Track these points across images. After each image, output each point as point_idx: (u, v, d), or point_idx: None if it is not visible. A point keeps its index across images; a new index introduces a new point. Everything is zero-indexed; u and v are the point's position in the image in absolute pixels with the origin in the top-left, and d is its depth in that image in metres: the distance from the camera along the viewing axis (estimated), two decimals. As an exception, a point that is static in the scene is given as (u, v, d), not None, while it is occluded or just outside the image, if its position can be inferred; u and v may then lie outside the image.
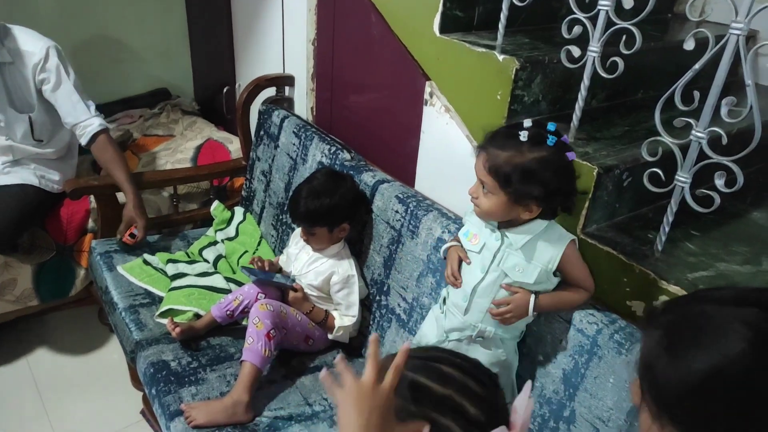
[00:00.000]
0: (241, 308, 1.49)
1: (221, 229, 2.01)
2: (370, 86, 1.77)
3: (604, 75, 1.13)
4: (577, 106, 1.20)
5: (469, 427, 0.63)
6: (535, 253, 1.03)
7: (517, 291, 1.05)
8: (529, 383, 0.71)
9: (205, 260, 1.83)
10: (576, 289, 1.06)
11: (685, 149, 1.04)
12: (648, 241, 1.18)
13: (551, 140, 0.95)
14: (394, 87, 1.66)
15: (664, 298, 1.05)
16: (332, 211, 1.44)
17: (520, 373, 1.16)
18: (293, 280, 1.54)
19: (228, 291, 1.64)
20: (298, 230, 1.61)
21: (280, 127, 1.90)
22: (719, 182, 0.99)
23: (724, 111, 0.96)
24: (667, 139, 1.05)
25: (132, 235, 1.78)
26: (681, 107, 1.01)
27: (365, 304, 1.55)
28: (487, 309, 1.07)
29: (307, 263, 1.53)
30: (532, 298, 1.03)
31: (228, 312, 1.50)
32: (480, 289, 1.07)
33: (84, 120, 1.81)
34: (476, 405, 0.64)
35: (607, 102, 1.51)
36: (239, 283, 1.68)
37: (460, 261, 1.13)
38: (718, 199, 1.00)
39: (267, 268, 1.57)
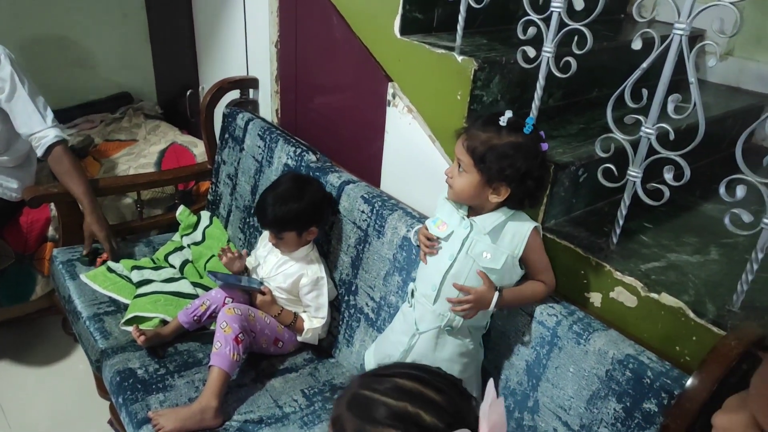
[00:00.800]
0: (208, 313, 1.49)
1: (187, 234, 1.99)
2: (334, 87, 1.78)
3: (558, 74, 1.16)
4: (533, 105, 1.23)
5: None
6: (501, 239, 1.06)
7: (486, 281, 1.07)
8: (491, 383, 0.72)
9: (171, 266, 1.81)
10: (537, 282, 1.10)
11: (635, 145, 1.08)
12: (604, 234, 1.22)
13: (528, 128, 1.01)
14: (358, 88, 1.67)
15: (619, 289, 1.09)
16: (300, 215, 1.44)
17: (486, 366, 1.19)
18: (261, 284, 1.54)
19: (195, 296, 1.63)
20: (265, 234, 1.61)
21: (245, 129, 1.89)
22: (668, 176, 1.04)
23: (670, 108, 1.00)
24: (618, 135, 1.09)
25: (104, 262, 1.75)
26: (631, 105, 1.05)
27: (334, 304, 1.56)
28: (457, 296, 1.09)
29: (276, 266, 1.53)
30: (496, 294, 1.06)
31: (195, 317, 1.49)
32: (449, 277, 1.09)
33: (39, 131, 1.76)
34: (432, 412, 0.65)
35: (564, 101, 1.55)
36: (206, 288, 1.67)
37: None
38: (667, 193, 1.04)
39: (236, 256, 1.56)
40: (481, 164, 1.02)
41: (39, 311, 2.01)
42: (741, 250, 1.21)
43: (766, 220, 0.93)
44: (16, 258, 1.88)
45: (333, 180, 1.56)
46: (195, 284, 1.70)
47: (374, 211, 1.43)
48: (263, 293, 1.51)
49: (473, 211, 1.10)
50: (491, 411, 0.67)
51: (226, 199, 2.01)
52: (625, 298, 1.09)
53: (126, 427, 1.31)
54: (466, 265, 1.08)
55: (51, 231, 1.93)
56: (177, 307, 1.57)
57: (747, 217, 0.95)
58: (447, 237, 1.11)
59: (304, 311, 1.55)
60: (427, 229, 1.16)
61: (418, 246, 1.20)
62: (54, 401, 1.85)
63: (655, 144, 1.04)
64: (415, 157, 1.49)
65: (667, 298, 1.03)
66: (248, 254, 1.66)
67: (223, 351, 1.34)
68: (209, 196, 2.09)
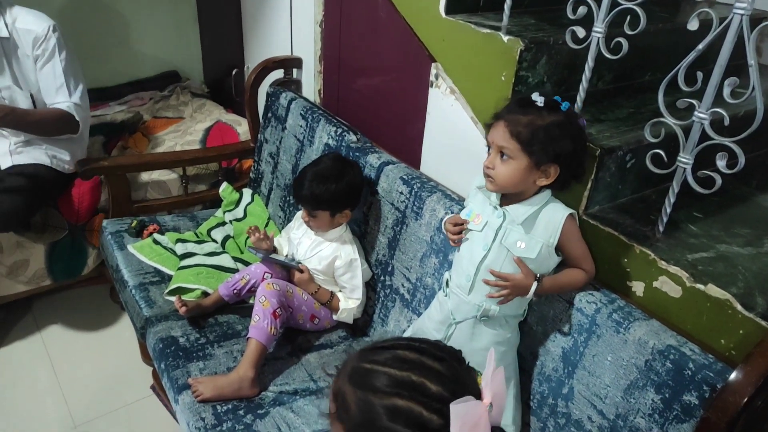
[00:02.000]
0: (248, 287, 1.52)
1: (229, 210, 2.03)
2: (377, 68, 1.77)
3: (608, 56, 1.12)
4: (581, 87, 1.20)
5: (432, 404, 0.63)
6: (535, 228, 1.05)
7: (524, 269, 1.05)
8: (491, 353, 0.71)
9: (214, 240, 1.86)
10: (577, 270, 1.07)
11: (687, 130, 1.04)
12: (650, 222, 1.19)
13: (565, 105, 1.00)
14: (400, 69, 1.66)
15: (664, 278, 1.06)
16: (336, 196, 1.45)
17: (521, 351, 1.18)
18: (299, 262, 1.56)
19: (235, 270, 1.67)
20: (299, 213, 1.62)
21: (288, 109, 1.91)
22: (721, 163, 0.99)
23: (726, 92, 0.96)
24: (669, 120, 1.05)
25: (150, 234, 1.81)
26: (685, 88, 1.01)
27: (370, 284, 1.57)
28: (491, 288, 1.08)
29: (310, 248, 1.55)
30: (535, 283, 1.04)
31: (235, 290, 1.53)
32: (483, 268, 1.09)
33: (57, 103, 1.82)
34: (437, 381, 0.64)
35: (614, 84, 1.50)
36: (246, 263, 1.71)
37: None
38: (719, 180, 1.00)
39: (262, 237, 1.58)
40: (529, 147, 1.00)
41: (90, 279, 2.10)
42: (797, 244, 1.16)
43: (826, 212, 0.88)
44: (68, 229, 1.96)
45: (372, 160, 1.56)
46: (236, 259, 1.74)
47: (413, 193, 1.43)
48: (301, 271, 1.53)
49: (506, 199, 1.08)
50: (493, 380, 0.66)
51: (267, 177, 2.04)
52: (670, 288, 1.06)
53: (167, 392, 1.36)
54: (501, 255, 1.07)
55: (102, 202, 2.01)
56: (218, 280, 1.61)
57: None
58: (481, 228, 1.10)
59: (340, 291, 1.57)
60: (459, 218, 1.15)
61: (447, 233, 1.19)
62: (101, 365, 1.94)
63: (708, 130, 1.00)
64: (457, 139, 1.47)
65: (713, 290, 0.99)
66: (274, 236, 1.67)
67: (261, 324, 1.37)
68: (251, 174, 2.13)
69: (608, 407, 1.03)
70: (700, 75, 0.99)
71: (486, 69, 1.33)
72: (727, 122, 0.98)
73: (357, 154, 1.61)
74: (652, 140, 1.09)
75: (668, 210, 1.10)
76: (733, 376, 0.81)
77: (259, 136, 2.08)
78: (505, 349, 1.13)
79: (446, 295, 1.17)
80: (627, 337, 1.00)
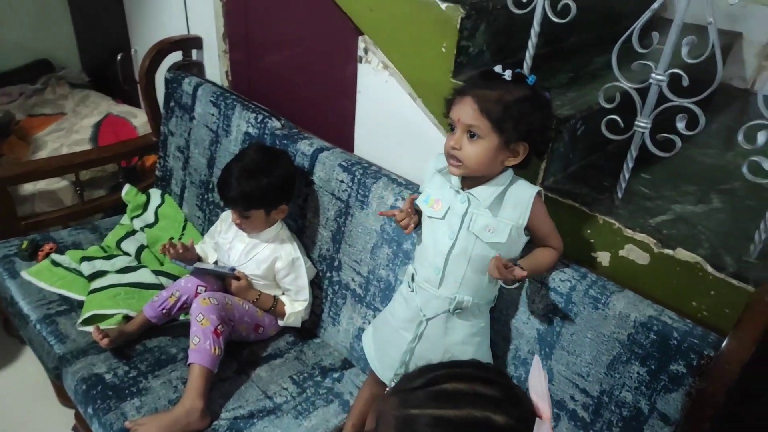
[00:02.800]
0: (179, 305, 1.34)
1: (137, 216, 1.81)
2: (293, 44, 1.61)
3: (555, 20, 1.06)
4: (527, 55, 1.14)
5: None
6: (503, 210, 0.98)
7: (509, 265, 0.98)
8: (537, 360, 0.66)
9: (126, 253, 1.64)
10: (547, 249, 1.03)
11: (644, 93, 1.01)
12: (604, 189, 1.17)
13: (531, 79, 0.93)
14: (322, 43, 1.52)
15: (630, 246, 1.05)
16: (269, 192, 1.31)
17: (492, 337, 1.13)
18: (233, 269, 1.40)
19: (159, 286, 1.48)
20: (226, 214, 1.46)
21: (194, 96, 1.70)
22: (680, 125, 0.98)
23: (684, 51, 0.93)
24: (625, 84, 1.01)
25: (46, 255, 1.55)
26: (639, 50, 0.98)
27: (315, 282, 1.45)
28: (463, 277, 1.01)
29: (245, 252, 1.40)
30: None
31: (164, 310, 1.34)
32: (453, 258, 1.01)
33: None
34: (500, 410, 0.57)
35: (545, 48, 1.46)
36: (170, 276, 1.52)
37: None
38: (679, 143, 0.99)
39: (182, 250, 1.39)
40: (500, 125, 0.92)
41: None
42: (741, 196, 1.19)
43: (789, 167, 0.89)
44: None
45: (304, 148, 1.42)
46: (157, 272, 1.54)
47: (355, 180, 1.31)
48: (238, 278, 1.38)
49: (467, 181, 1.00)
50: (542, 384, 0.61)
51: (177, 174, 1.82)
52: (637, 255, 1.04)
53: (100, 440, 1.18)
54: (469, 243, 1.00)
55: (-22, 224, 1.70)
56: (140, 300, 1.41)
57: (768, 165, 0.90)
58: (444, 215, 1.02)
59: (284, 294, 1.44)
60: (412, 204, 1.06)
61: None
62: (6, 410, 1.66)
63: (666, 92, 0.98)
64: (395, 118, 1.37)
65: (682, 254, 0.99)
66: (194, 244, 1.49)
67: (202, 346, 1.21)
68: (157, 172, 1.90)
69: (591, 384, 1.01)
70: (656, 35, 0.96)
71: (423, 40, 1.23)
72: (686, 83, 0.96)
73: (285, 142, 1.46)
74: (607, 106, 1.05)
75: (626, 176, 1.08)
76: (726, 343, 0.80)
77: (161, 128, 1.85)
78: (480, 339, 1.07)
79: (412, 291, 1.08)
80: (607, 313, 0.97)
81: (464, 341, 1.06)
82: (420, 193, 1.08)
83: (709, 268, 0.96)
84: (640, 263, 1.04)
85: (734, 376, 0.78)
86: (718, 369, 0.80)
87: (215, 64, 1.87)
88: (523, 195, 0.98)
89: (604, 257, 1.09)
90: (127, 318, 1.39)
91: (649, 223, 1.07)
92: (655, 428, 0.94)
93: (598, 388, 1.00)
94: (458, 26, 1.15)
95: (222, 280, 1.40)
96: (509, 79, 0.92)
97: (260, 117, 1.53)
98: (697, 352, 0.88)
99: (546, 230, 1.02)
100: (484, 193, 0.98)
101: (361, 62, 1.39)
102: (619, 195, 1.11)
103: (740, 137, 0.91)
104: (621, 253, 1.06)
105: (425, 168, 1.09)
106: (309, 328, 1.49)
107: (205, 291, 1.34)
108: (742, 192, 1.20)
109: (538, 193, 0.99)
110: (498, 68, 0.94)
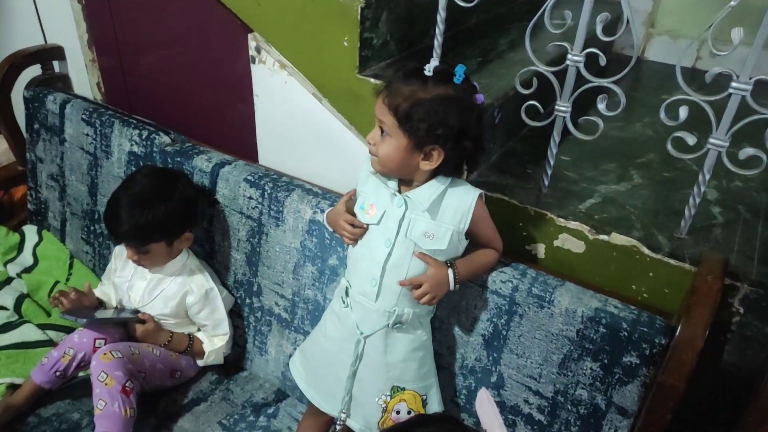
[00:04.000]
0: (75, 364, 1.15)
1: (11, 260, 1.56)
2: (173, 44, 1.43)
3: (462, 4, 0.99)
4: (436, 42, 1.06)
5: None
6: (442, 214, 0.90)
7: (431, 262, 0.91)
8: (483, 392, 0.63)
9: (2, 307, 1.40)
10: (488, 250, 0.96)
11: (561, 76, 0.96)
12: (528, 177, 1.13)
13: (459, 77, 0.84)
14: (207, 43, 1.35)
15: (564, 236, 1.01)
16: (169, 220, 1.14)
17: (435, 348, 1.05)
18: (136, 311, 1.23)
19: (48, 343, 1.27)
20: (119, 249, 1.28)
21: (62, 114, 1.48)
22: (601, 106, 0.94)
23: (599, 29, 0.89)
24: (542, 68, 0.96)
25: None
26: (553, 30, 0.93)
27: (234, 311, 1.31)
28: (401, 288, 0.92)
29: (148, 290, 1.23)
30: (450, 272, 0.91)
31: (57, 373, 1.14)
32: (390, 267, 0.92)
33: None
34: None
35: (448, 32, 1.39)
36: (61, 328, 1.32)
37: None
38: (602, 124, 0.96)
39: (75, 297, 1.19)
40: (406, 124, 0.84)
41: None
42: (657, 169, 1.20)
43: (713, 141, 0.88)
44: None
45: (201, 164, 1.26)
46: (44, 326, 1.32)
47: (265, 195, 1.18)
48: (143, 321, 1.20)
49: (404, 184, 0.92)
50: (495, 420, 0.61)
51: (54, 205, 1.59)
52: (572, 244, 1.01)
53: None
54: (408, 251, 0.91)
55: None
56: (26, 363, 1.21)
57: (692, 140, 0.89)
58: (379, 220, 0.92)
59: (200, 330, 1.28)
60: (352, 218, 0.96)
61: (336, 232, 1.00)
62: None
63: (584, 72, 0.93)
64: (300, 122, 1.25)
65: (618, 238, 0.96)
66: (91, 288, 1.29)
67: (110, 410, 1.04)
68: (29, 206, 1.65)
69: (545, 386, 0.97)
70: (568, 14, 0.91)
71: (322, 35, 1.11)
72: (603, 62, 0.92)
73: (178, 159, 1.29)
74: (525, 91, 1.00)
75: (551, 162, 1.04)
76: (679, 332, 0.78)
77: (27, 155, 1.60)
78: (423, 354, 1.00)
79: (347, 306, 0.98)
80: (553, 311, 0.92)
81: (406, 357, 0.98)
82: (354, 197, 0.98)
83: (646, 250, 0.94)
84: (576, 252, 1.01)
85: (692, 364, 0.76)
86: (675, 359, 0.77)
87: (83, 76, 1.63)
88: (463, 199, 0.90)
89: (539, 249, 1.05)
90: (12, 387, 1.18)
91: (579, 209, 1.03)
92: (614, 422, 0.91)
93: (552, 388, 0.96)
94: (359, 17, 1.05)
95: (124, 326, 1.22)
96: (429, 74, 0.83)
97: (145, 133, 1.35)
98: (648, 341, 0.86)
99: (487, 233, 0.95)
100: (421, 195, 0.90)
101: (254, 63, 1.25)
102: (546, 183, 1.07)
103: (662, 114, 0.89)
104: (556, 243, 1.02)
105: (359, 170, 0.99)
106: (233, 362, 1.34)
107: (105, 344, 1.15)
108: (657, 164, 1.21)
109: (480, 195, 0.91)
110: (429, 64, 0.84)
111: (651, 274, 0.95)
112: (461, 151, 0.86)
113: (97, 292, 1.30)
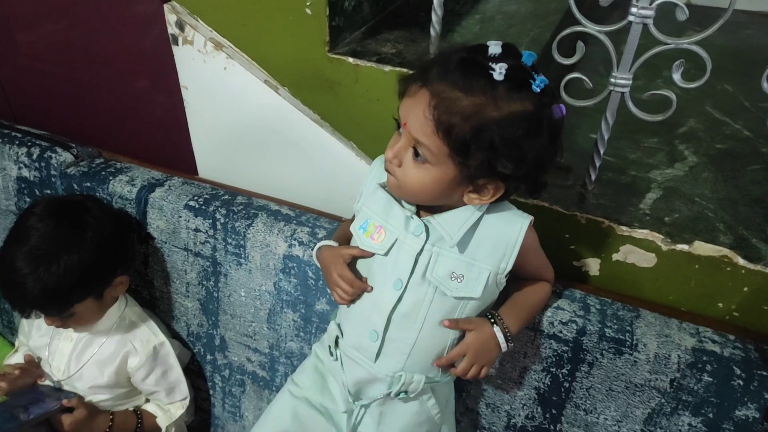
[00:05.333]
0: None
1: None
2: (64, 27, 1.05)
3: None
4: (435, 2, 0.77)
5: None
6: (476, 248, 0.64)
7: (468, 325, 0.66)
8: None
9: None
10: (539, 284, 0.72)
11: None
12: (559, 171, 0.87)
13: (539, 83, 0.55)
14: (107, 22, 0.99)
15: (628, 248, 0.77)
16: (88, 271, 0.83)
17: (468, 402, 0.81)
18: (59, 392, 0.92)
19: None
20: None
21: None
22: (677, 75, 0.70)
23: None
24: (593, 27, 0.70)
25: None
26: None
27: (191, 369, 1.02)
28: (413, 346, 0.67)
29: (76, 356, 0.93)
30: (497, 330, 0.66)
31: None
32: (399, 318, 0.66)
33: None
34: None
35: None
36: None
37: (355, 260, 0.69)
38: (674, 99, 0.71)
39: (19, 373, 0.92)
40: (463, 155, 0.56)
41: None
42: (707, 140, 0.97)
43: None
44: None
45: (122, 189, 0.93)
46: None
47: (218, 225, 0.88)
48: (70, 409, 0.90)
49: (426, 206, 0.64)
50: None
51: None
52: (638, 257, 0.77)
53: None
54: (426, 296, 0.65)
55: None
56: None
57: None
58: (388, 250, 0.65)
59: (149, 401, 0.99)
60: (354, 251, 0.68)
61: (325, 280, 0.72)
62: None
63: (655, 31, 0.68)
64: (250, 119, 0.93)
65: (702, 247, 0.73)
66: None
67: None
68: None
69: (623, 445, 0.75)
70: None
71: (274, 2, 0.79)
72: (685, 15, 0.66)
73: (87, 184, 0.95)
74: (566, 62, 0.73)
75: (601, 152, 0.79)
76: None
77: None
78: (429, 429, 0.74)
79: (336, 359, 0.72)
80: (637, 357, 0.70)
81: None
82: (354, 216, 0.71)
83: (741, 261, 0.72)
84: (644, 266, 0.78)
85: None
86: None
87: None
88: (507, 230, 0.64)
89: (591, 266, 0.81)
90: None
91: (641, 210, 0.80)
92: (723, 488, 0.71)
93: (633, 447, 0.75)
94: (326, -29, 0.74)
95: (46, 423, 0.90)
96: (501, 78, 0.54)
97: (36, 150, 0.99)
98: (771, 389, 0.65)
99: (538, 265, 0.70)
100: (450, 223, 0.63)
101: (177, 44, 0.91)
102: (593, 178, 0.82)
103: (765, 84, 0.65)
104: (616, 257, 0.79)
105: (365, 180, 0.71)
106: (199, 429, 1.06)
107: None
108: (703, 133, 0.99)
109: (530, 224, 0.65)
110: (493, 47, 0.55)
111: (746, 289, 0.74)
112: (527, 183, 0.59)
113: (17, 358, 0.98)
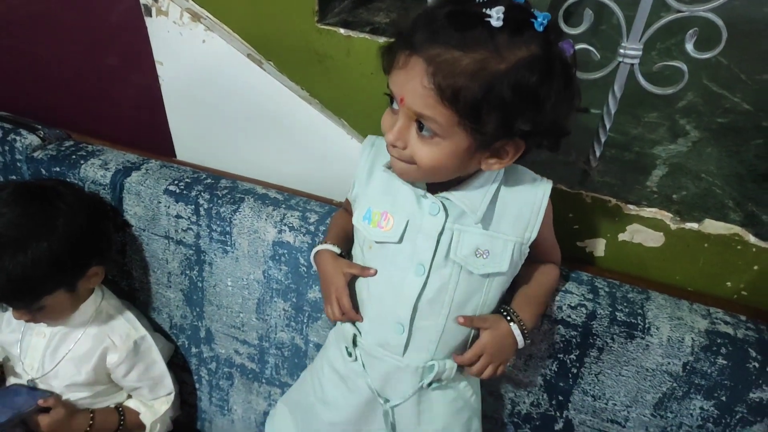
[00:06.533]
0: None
1: None
2: (19, -1, 0.97)
3: None
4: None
5: None
6: (498, 220, 0.60)
7: (483, 323, 0.62)
8: None
9: None
10: (548, 267, 0.68)
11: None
12: (565, 145, 0.84)
13: (543, 20, 0.49)
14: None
15: (635, 227, 0.74)
16: (59, 260, 0.77)
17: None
18: (34, 392, 0.86)
19: None
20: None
21: None
22: (689, 46, 0.66)
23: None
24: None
25: None
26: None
27: (175, 362, 0.96)
28: (442, 332, 0.63)
29: (50, 352, 0.87)
30: (515, 327, 0.62)
31: None
32: (424, 305, 0.62)
33: None
34: None
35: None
36: None
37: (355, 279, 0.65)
38: (686, 71, 0.67)
39: None
40: (474, 120, 0.50)
41: None
42: (707, 114, 0.95)
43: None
44: None
45: (94, 173, 0.87)
46: None
47: (201, 211, 0.82)
48: (47, 409, 0.84)
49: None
50: None
51: None
52: (645, 237, 0.75)
53: None
54: (451, 277, 0.61)
55: None
56: None
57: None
58: (401, 236, 0.61)
59: (130, 397, 0.94)
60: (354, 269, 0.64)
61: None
62: None
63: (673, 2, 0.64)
64: (231, 95, 0.87)
65: (712, 225, 0.71)
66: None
67: None
68: None
69: (634, 430, 0.73)
70: None
71: (256, -36, 0.73)
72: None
73: (57, 169, 0.88)
74: (573, 31, 0.69)
75: (608, 127, 0.75)
76: None
77: None
78: (470, 415, 0.72)
79: (355, 360, 0.68)
80: (650, 341, 0.67)
81: (447, 425, 0.70)
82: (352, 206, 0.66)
83: (752, 239, 0.70)
84: (651, 245, 0.75)
85: None
86: None
87: None
88: (530, 195, 0.61)
89: (597, 246, 0.78)
90: None
91: (648, 187, 0.77)
92: (735, 471, 0.69)
93: (643, 431, 0.72)
94: (315, -68, 0.68)
95: (22, 425, 0.84)
96: (499, 24, 0.48)
97: (-1, 133, 0.92)
98: (788, 371, 0.63)
99: (549, 242, 0.67)
100: (470, 198, 0.59)
101: (150, 15, 0.84)
102: (597, 154, 0.78)
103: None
104: (622, 236, 0.76)
105: (358, 164, 0.66)
106: (185, 424, 1.02)
107: (-7, 464, 0.78)
108: (703, 108, 0.96)
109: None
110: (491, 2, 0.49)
111: (756, 267, 0.72)
112: (548, 136, 0.55)
113: None
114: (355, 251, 0.67)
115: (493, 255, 0.60)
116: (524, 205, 0.60)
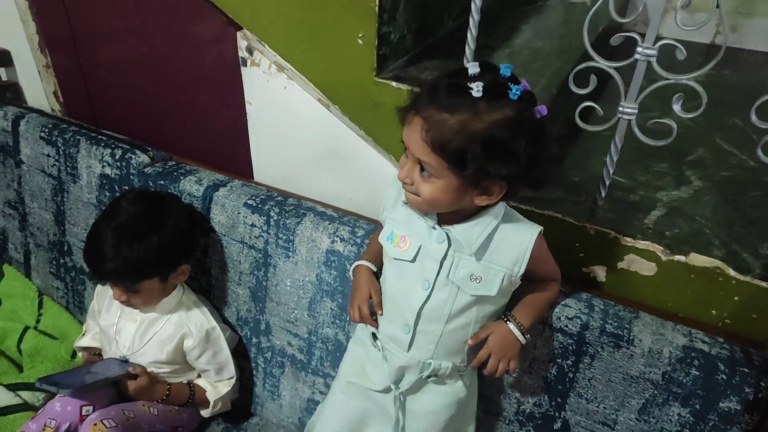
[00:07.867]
0: (59, 437, 0.97)
1: (-31, 301, 1.35)
2: (144, 42, 1.22)
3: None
4: (469, 36, 0.90)
5: None
6: (493, 254, 0.75)
7: (486, 331, 0.78)
8: None
9: (-39, 364, 1.20)
10: (549, 283, 0.82)
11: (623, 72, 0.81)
12: (576, 187, 0.98)
13: (516, 91, 0.65)
14: (186, 41, 1.15)
15: (632, 257, 0.87)
16: (163, 253, 0.97)
17: (487, 392, 0.91)
18: (126, 362, 1.05)
19: (23, 407, 1.08)
20: (101, 288, 1.10)
21: (15, 132, 1.27)
22: (677, 107, 0.80)
23: (680, 16, 0.74)
24: (604, 63, 0.81)
25: None
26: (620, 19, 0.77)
27: (238, 350, 1.14)
28: (440, 337, 0.78)
29: (140, 334, 1.05)
30: (512, 326, 0.77)
31: (37, 448, 0.97)
32: (428, 312, 0.77)
33: None
34: None
35: (460, 19, 1.23)
36: (35, 388, 1.12)
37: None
38: (675, 127, 0.81)
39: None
40: (459, 166, 0.66)
41: None
42: (713, 167, 1.07)
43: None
44: None
45: (191, 187, 1.08)
46: (14, 387, 1.13)
47: (271, 222, 1.01)
48: (134, 376, 1.03)
49: (444, 216, 0.76)
50: None
51: (15, 236, 1.38)
52: (641, 266, 0.87)
53: None
54: (450, 294, 0.76)
55: None
56: (-2, 437, 1.02)
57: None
58: (414, 257, 0.77)
59: (200, 376, 1.12)
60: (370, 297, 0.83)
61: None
62: None
63: (657, 68, 0.79)
64: (303, 132, 1.07)
65: (698, 259, 0.83)
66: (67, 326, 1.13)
67: (107, 494, 0.87)
68: (-15, 236, 1.44)
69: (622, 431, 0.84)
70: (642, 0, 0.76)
71: (330, 31, 0.93)
72: (683, 56, 0.77)
73: (162, 182, 1.10)
74: (581, 92, 0.85)
75: (611, 172, 0.90)
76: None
77: (-23, 179, 1.38)
78: (454, 413, 0.85)
79: (379, 350, 0.84)
80: (633, 351, 0.79)
81: (435, 410, 0.84)
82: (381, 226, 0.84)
83: (731, 272, 0.81)
84: (645, 274, 0.87)
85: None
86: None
87: (36, 84, 1.41)
88: (519, 238, 0.75)
89: (599, 272, 0.91)
90: (-18, 466, 0.99)
91: (645, 224, 0.90)
92: (709, 476, 0.79)
93: (629, 435, 0.83)
94: (377, 8, 0.87)
95: (114, 384, 1.04)
96: (479, 95, 0.64)
97: (119, 152, 1.15)
98: (752, 384, 0.73)
99: (547, 268, 0.81)
100: (468, 234, 0.74)
101: (245, 65, 1.06)
102: (602, 194, 0.92)
103: (753, 117, 0.75)
104: (620, 265, 0.89)
105: (385, 194, 0.83)
106: (241, 407, 1.18)
107: (93, 410, 0.98)
108: (711, 162, 1.08)
109: (540, 233, 0.76)
110: (471, 67, 0.66)
111: (736, 298, 0.83)
112: (527, 179, 0.70)
113: (86, 341, 1.12)
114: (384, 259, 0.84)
115: (485, 281, 0.75)
116: (514, 245, 0.74)
